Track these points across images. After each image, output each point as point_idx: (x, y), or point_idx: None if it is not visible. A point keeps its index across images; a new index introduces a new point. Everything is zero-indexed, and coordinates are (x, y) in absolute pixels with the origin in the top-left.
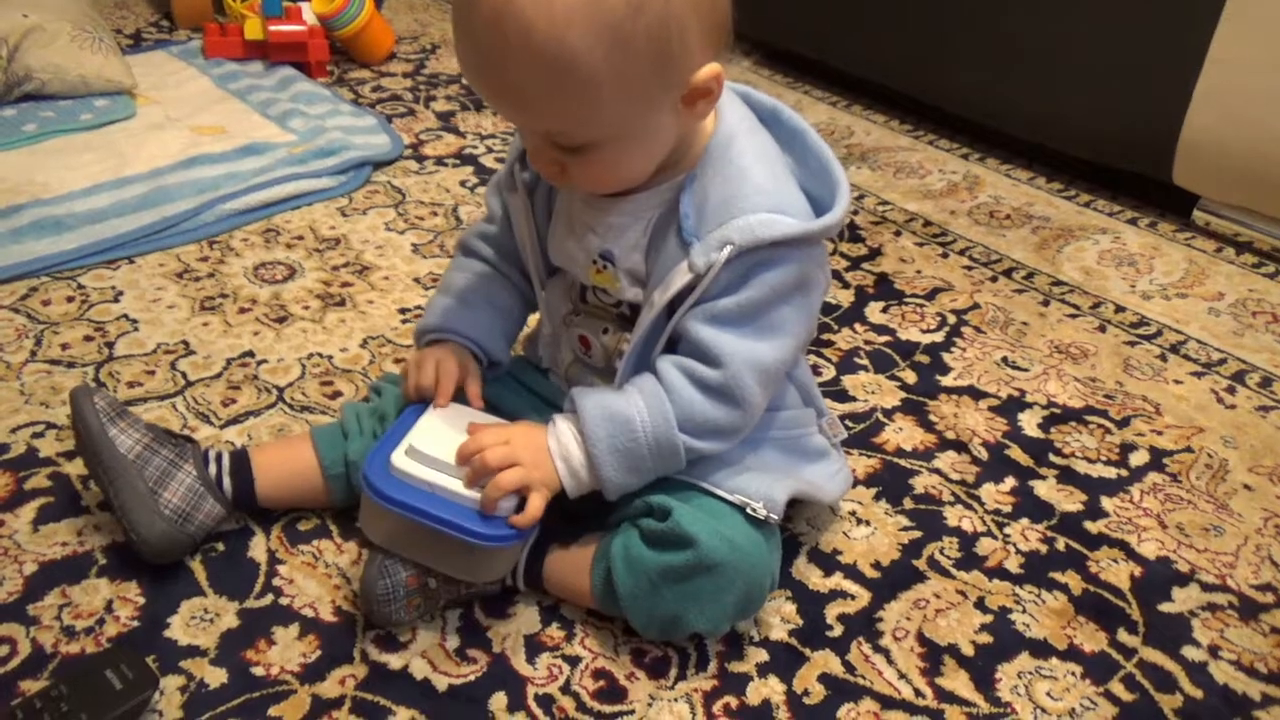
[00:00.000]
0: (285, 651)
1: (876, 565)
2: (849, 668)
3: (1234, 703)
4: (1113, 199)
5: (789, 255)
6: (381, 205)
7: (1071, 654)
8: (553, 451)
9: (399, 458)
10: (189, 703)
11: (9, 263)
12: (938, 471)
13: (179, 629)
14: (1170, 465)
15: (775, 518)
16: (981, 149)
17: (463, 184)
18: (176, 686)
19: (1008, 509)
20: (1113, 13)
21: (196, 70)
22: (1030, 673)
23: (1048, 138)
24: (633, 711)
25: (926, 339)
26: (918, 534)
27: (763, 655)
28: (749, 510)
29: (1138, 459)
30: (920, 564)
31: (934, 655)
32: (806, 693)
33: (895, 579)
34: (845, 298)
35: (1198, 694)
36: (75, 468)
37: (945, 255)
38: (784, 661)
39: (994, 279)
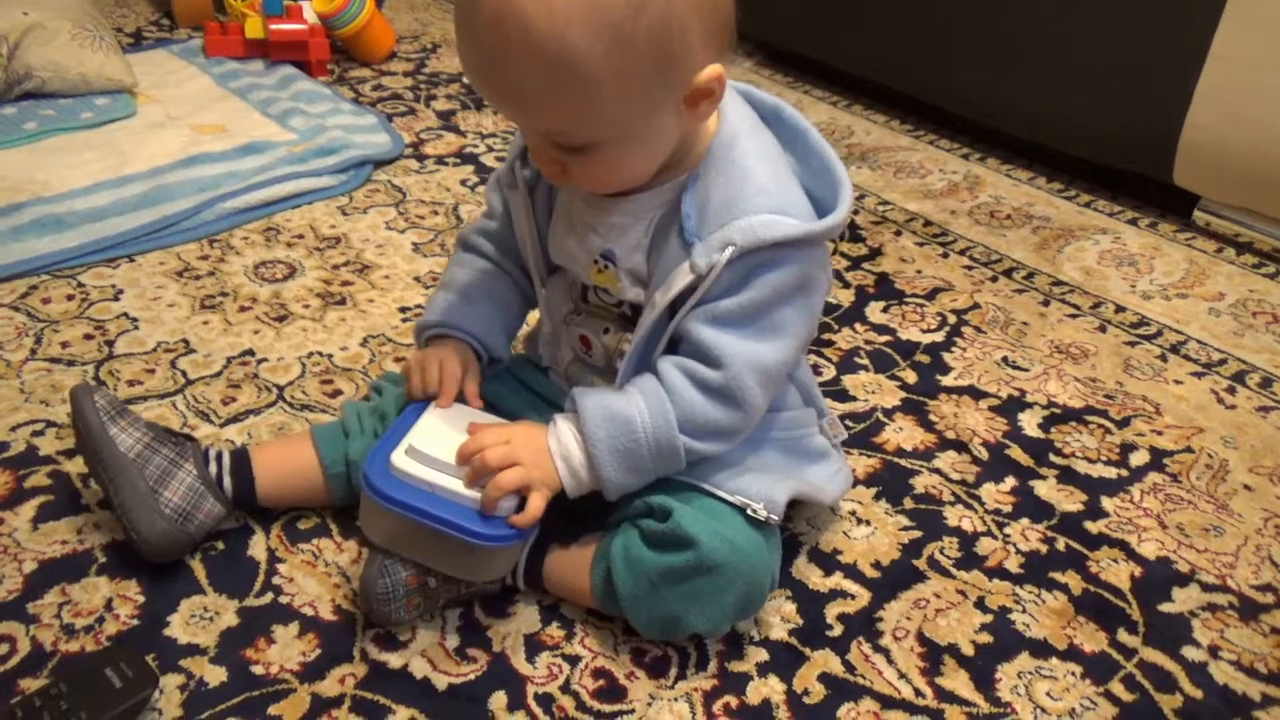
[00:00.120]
0: (285, 650)
1: (876, 565)
2: (849, 667)
3: (1234, 703)
4: (1113, 199)
5: (791, 256)
6: (382, 204)
7: (1071, 654)
8: (553, 451)
9: (399, 457)
10: (188, 701)
11: (9, 261)
12: (938, 471)
13: (179, 627)
14: (1170, 465)
15: (776, 519)
16: (982, 149)
17: (463, 183)
18: (176, 685)
19: (1008, 509)
20: (1113, 12)
21: (197, 69)
22: (1030, 673)
23: (1048, 138)
24: (633, 711)
25: (927, 339)
26: (918, 534)
27: (763, 655)
28: (749, 511)
29: (1138, 459)
30: (920, 564)
31: (934, 655)
32: (806, 692)
33: (895, 579)
34: (845, 297)
35: (1198, 694)
36: (75, 466)
37: (945, 255)
38: (784, 661)
39: (994, 279)
